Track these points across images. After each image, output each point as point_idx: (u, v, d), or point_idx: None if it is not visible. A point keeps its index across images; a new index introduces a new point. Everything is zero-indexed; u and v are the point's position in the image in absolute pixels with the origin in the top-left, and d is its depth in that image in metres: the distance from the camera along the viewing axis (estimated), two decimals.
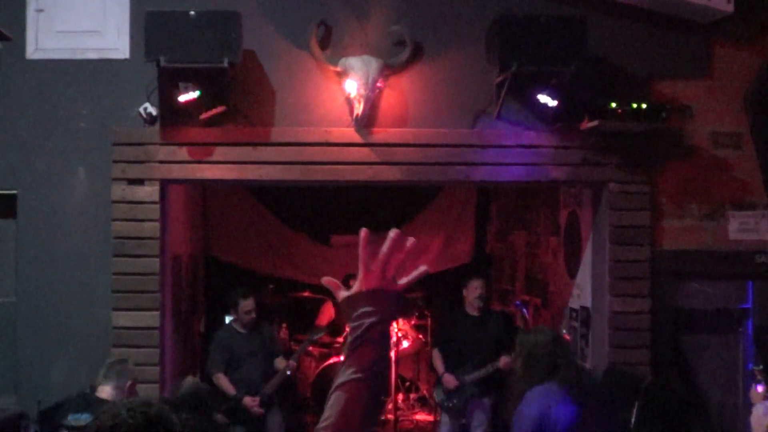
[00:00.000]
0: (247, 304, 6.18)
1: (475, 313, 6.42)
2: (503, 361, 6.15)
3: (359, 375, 1.52)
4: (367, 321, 1.53)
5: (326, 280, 1.60)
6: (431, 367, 7.10)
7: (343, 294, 1.56)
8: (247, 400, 5.98)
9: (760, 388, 4.43)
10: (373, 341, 1.53)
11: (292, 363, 6.27)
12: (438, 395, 6.53)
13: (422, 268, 1.59)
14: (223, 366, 6.13)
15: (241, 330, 6.24)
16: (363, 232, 1.57)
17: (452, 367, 6.39)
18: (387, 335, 1.57)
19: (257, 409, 5.99)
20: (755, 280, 5.66)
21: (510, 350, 6.21)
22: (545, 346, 3.80)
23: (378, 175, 5.40)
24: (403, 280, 1.58)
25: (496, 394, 6.50)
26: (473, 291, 6.42)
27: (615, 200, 5.46)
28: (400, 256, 1.57)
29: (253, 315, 6.24)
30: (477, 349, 6.33)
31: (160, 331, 5.33)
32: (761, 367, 4.60)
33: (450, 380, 6.30)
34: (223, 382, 6.07)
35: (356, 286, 1.56)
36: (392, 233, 1.57)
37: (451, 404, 6.36)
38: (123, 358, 4.73)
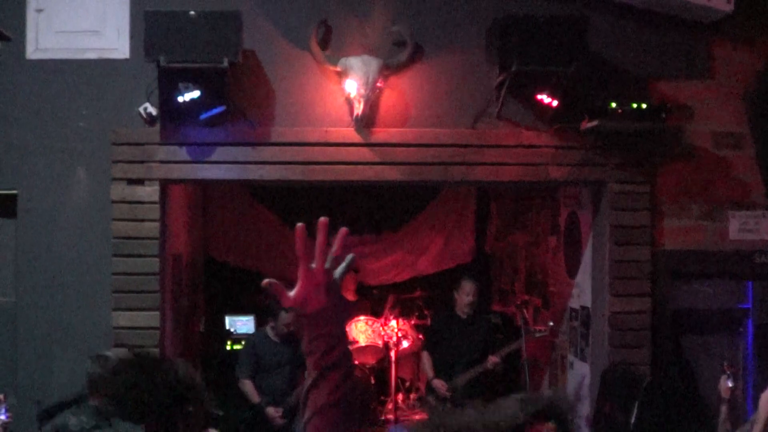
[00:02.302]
0: (288, 317, 6.14)
1: (464, 315, 6.49)
2: (491, 360, 6.26)
3: (330, 400, 1.49)
4: (322, 347, 1.48)
5: (266, 283, 1.49)
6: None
7: (289, 297, 1.48)
8: (270, 411, 5.96)
9: (730, 383, 4.54)
10: (335, 365, 1.49)
11: None
12: (431, 401, 6.54)
13: (350, 256, 1.53)
14: (251, 372, 6.10)
15: (275, 339, 6.20)
16: (299, 226, 1.47)
17: (441, 370, 6.43)
18: (347, 354, 1.52)
19: (279, 420, 5.98)
20: (755, 280, 5.66)
21: (495, 351, 6.35)
22: None
23: (378, 175, 5.40)
24: (337, 272, 1.51)
25: (484, 397, 6.52)
26: (464, 296, 6.48)
27: (615, 200, 5.46)
28: (337, 248, 1.50)
29: (292, 329, 6.20)
30: (465, 351, 6.40)
31: (160, 331, 5.32)
32: (729, 363, 4.70)
33: (441, 386, 6.36)
34: (248, 388, 6.05)
35: (298, 290, 1.47)
36: (322, 220, 1.49)
37: (444, 409, 6.39)
38: (103, 353, 4.58)
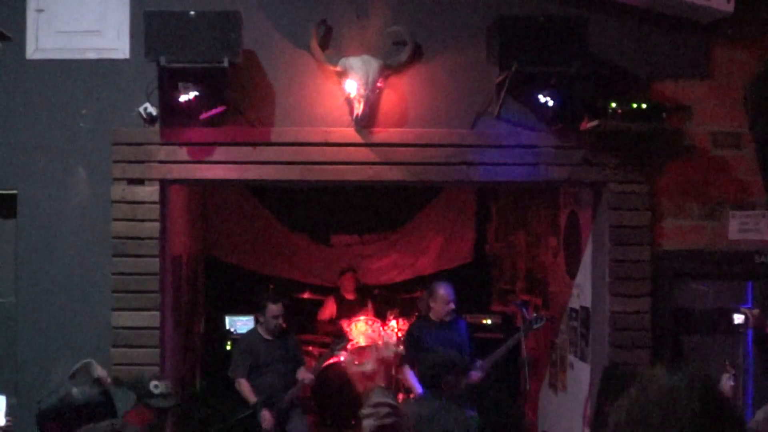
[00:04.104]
0: (276, 308, 6.12)
1: (438, 320, 6.24)
2: (482, 367, 6.09)
3: None
4: (383, 411, 1.70)
5: None
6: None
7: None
8: (265, 414, 5.97)
9: (732, 382, 4.53)
10: (388, 427, 1.69)
11: (310, 376, 6.25)
12: None
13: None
14: (246, 371, 6.09)
15: (267, 336, 6.19)
16: None
17: (432, 381, 6.17)
18: (401, 424, 1.69)
19: (268, 424, 5.98)
20: (755, 280, 5.65)
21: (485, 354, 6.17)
22: None
23: (378, 175, 5.40)
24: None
25: (473, 401, 6.33)
26: (443, 305, 6.21)
27: (615, 200, 5.46)
28: None
29: (281, 321, 6.17)
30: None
31: (160, 331, 5.32)
32: (731, 362, 4.69)
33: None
34: (244, 387, 6.04)
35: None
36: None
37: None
38: (83, 364, 4.47)
